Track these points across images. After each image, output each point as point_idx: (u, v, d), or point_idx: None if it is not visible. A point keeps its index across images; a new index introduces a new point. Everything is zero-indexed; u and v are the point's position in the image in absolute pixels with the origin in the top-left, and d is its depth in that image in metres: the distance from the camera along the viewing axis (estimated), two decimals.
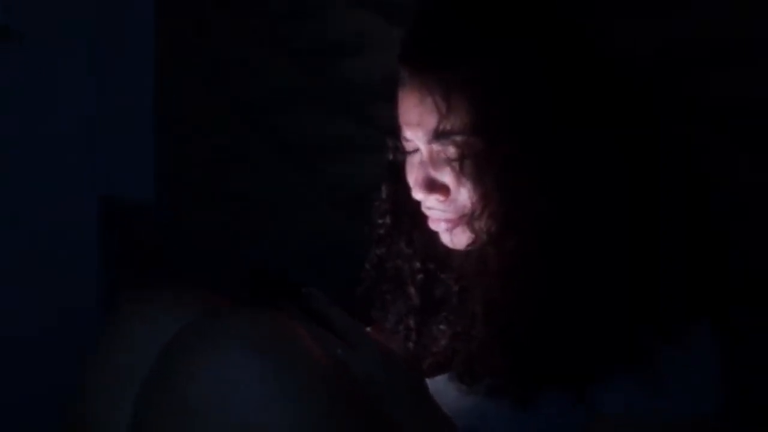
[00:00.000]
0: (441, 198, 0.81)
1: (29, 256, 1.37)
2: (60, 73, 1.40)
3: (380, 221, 0.91)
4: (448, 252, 0.86)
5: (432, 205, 0.82)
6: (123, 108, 1.45)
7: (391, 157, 0.89)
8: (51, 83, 1.39)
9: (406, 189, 0.84)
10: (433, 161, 0.80)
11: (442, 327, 0.86)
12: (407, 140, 0.83)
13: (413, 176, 0.83)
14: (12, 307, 1.35)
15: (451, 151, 0.79)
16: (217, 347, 0.69)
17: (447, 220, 0.82)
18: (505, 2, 0.78)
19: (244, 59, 1.35)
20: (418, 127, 0.80)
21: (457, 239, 0.82)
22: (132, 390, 0.74)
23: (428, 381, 0.83)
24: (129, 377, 0.76)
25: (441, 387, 0.84)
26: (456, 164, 0.78)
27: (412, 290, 0.91)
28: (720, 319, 0.78)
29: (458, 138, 0.77)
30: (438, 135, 0.78)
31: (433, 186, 0.81)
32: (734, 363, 0.80)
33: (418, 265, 0.90)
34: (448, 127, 0.77)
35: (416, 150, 0.82)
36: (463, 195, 0.79)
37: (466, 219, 0.79)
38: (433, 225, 0.84)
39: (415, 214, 0.86)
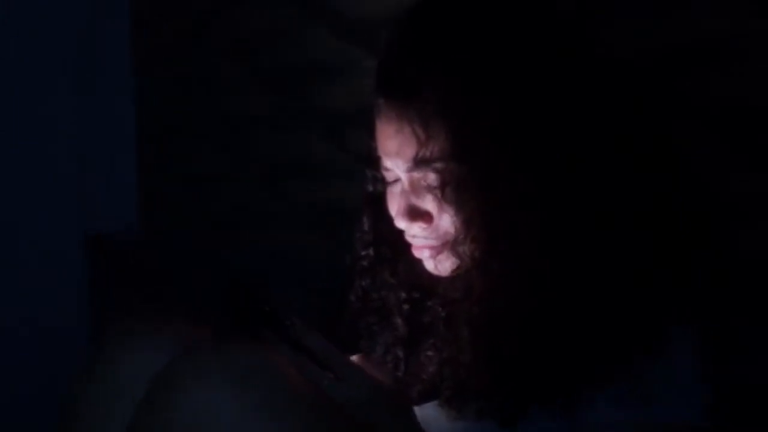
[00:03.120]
0: (424, 225, 0.80)
1: (15, 283, 1.37)
2: (41, 96, 1.39)
3: (363, 253, 0.91)
4: (433, 279, 0.85)
5: (415, 233, 0.82)
6: (104, 136, 1.45)
7: (370, 188, 0.89)
8: (33, 107, 1.38)
9: (388, 219, 0.84)
10: (414, 189, 0.80)
11: (429, 354, 0.86)
12: (387, 170, 0.83)
13: (395, 206, 0.82)
14: None
15: (432, 178, 0.78)
16: (200, 382, 0.70)
17: (430, 248, 0.81)
18: (481, 27, 0.77)
19: (225, 81, 1.35)
20: (398, 157, 0.79)
21: (441, 265, 0.82)
22: (118, 420, 0.75)
23: (418, 408, 0.83)
24: (114, 408, 0.77)
25: (431, 413, 0.83)
26: (437, 191, 0.78)
27: (398, 321, 0.90)
28: (710, 325, 0.78)
29: (438, 165, 0.77)
30: (418, 163, 0.78)
31: (415, 214, 0.80)
32: (725, 368, 0.79)
33: (403, 295, 0.89)
34: (428, 154, 0.76)
35: (396, 180, 0.82)
36: (446, 221, 0.79)
37: (450, 245, 0.79)
38: (416, 253, 0.83)
39: (397, 243, 0.86)
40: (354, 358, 0.81)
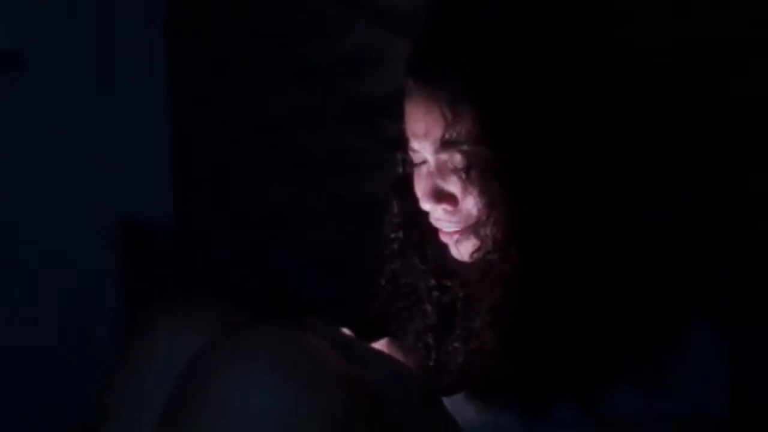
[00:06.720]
0: (449, 208, 0.81)
1: (48, 277, 1.39)
2: (72, 91, 1.42)
3: (393, 235, 0.91)
4: (459, 264, 0.85)
5: (440, 216, 0.82)
6: (139, 128, 1.47)
7: (400, 170, 0.90)
8: (63, 103, 1.40)
9: (416, 202, 0.84)
10: (440, 171, 0.81)
11: (456, 345, 0.86)
12: (414, 151, 0.83)
13: (421, 187, 0.83)
14: (31, 320, 1.36)
15: (458, 159, 0.79)
16: (237, 361, 0.69)
17: (456, 233, 0.82)
18: (509, 13, 0.78)
19: (256, 77, 1.36)
20: (425, 138, 0.80)
21: (463, 248, 0.82)
22: (156, 401, 0.74)
23: (447, 399, 0.82)
24: (152, 388, 0.76)
25: (459, 405, 0.83)
26: (462, 173, 0.78)
27: (428, 308, 0.90)
28: (721, 319, 0.78)
29: (464, 147, 0.78)
30: (444, 144, 0.78)
31: (440, 196, 0.81)
32: (736, 364, 0.80)
33: (432, 282, 0.89)
34: (455, 136, 0.77)
35: (423, 161, 0.83)
36: (470, 203, 0.79)
37: (472, 227, 0.80)
38: (444, 238, 0.84)
39: (426, 227, 0.86)
40: (381, 343, 0.81)
